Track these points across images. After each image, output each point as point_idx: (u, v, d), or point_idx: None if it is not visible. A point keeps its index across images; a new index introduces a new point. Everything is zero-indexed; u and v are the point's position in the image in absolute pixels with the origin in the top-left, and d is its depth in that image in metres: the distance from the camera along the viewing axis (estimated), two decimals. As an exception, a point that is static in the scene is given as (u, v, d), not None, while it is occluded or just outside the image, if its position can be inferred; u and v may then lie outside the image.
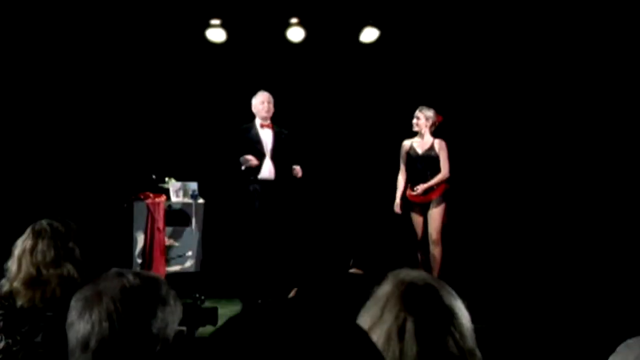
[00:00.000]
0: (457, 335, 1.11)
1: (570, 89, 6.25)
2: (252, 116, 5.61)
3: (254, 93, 6.46)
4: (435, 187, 5.47)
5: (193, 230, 5.63)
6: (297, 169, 5.46)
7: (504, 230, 6.21)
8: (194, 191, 5.61)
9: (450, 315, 1.13)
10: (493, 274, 5.90)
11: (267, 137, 5.52)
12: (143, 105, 6.52)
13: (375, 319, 1.18)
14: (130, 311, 1.07)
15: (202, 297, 5.60)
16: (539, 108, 6.37)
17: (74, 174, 6.15)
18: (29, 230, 2.25)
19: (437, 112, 5.73)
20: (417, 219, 5.55)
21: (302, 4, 6.32)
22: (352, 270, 2.55)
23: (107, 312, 1.06)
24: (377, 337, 1.14)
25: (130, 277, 1.10)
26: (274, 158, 5.44)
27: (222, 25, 6.29)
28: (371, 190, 6.50)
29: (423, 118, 5.52)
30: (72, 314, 1.10)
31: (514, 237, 6.14)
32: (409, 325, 1.12)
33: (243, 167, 5.37)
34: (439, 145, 5.52)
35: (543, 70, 6.30)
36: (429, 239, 5.45)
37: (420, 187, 5.46)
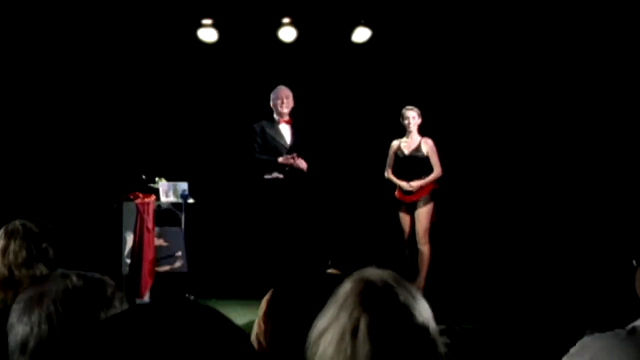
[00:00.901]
0: (412, 336, 1.09)
1: (556, 91, 6.24)
2: (267, 112, 5.59)
3: (245, 93, 6.46)
4: (421, 188, 5.49)
5: (183, 230, 5.62)
6: (296, 160, 5.36)
7: (492, 229, 6.20)
8: (184, 191, 5.59)
9: (406, 315, 1.11)
10: (482, 272, 5.89)
11: (285, 133, 5.49)
12: (134, 105, 6.50)
13: (333, 317, 1.17)
14: (71, 313, 1.06)
15: (192, 298, 5.60)
16: (530, 108, 6.35)
17: (64, 174, 6.14)
18: (1, 231, 2.24)
19: (429, 111, 5.73)
20: (404, 218, 5.57)
21: (294, 3, 6.31)
22: (330, 271, 2.53)
23: (47, 314, 1.05)
24: (332, 335, 1.13)
25: (74, 279, 1.09)
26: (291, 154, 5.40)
27: (214, 25, 6.27)
28: (357, 190, 6.49)
29: (417, 116, 5.53)
30: (13, 316, 1.09)
31: (503, 235, 6.13)
32: (363, 324, 1.11)
33: (267, 176, 5.36)
34: (427, 145, 5.54)
35: (533, 71, 6.29)
36: (417, 238, 5.46)
37: (415, 184, 5.46)
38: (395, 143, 5.66)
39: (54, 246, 2.26)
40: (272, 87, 6.01)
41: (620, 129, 6.06)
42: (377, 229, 6.19)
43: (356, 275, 1.19)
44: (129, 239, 5.33)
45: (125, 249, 5.34)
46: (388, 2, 6.31)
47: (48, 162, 6.11)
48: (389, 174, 5.67)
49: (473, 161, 6.42)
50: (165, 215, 5.61)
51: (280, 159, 5.34)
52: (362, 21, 6.35)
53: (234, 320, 0.68)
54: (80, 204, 5.98)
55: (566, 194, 6.10)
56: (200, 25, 6.26)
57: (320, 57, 6.65)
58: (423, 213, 5.48)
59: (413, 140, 5.58)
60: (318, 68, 6.70)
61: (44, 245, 2.23)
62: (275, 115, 5.53)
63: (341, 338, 1.09)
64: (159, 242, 5.56)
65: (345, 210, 6.42)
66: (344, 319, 1.10)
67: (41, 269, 2.18)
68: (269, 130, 5.46)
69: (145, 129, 6.51)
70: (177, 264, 5.66)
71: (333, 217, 6.21)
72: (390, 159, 5.67)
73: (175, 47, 6.47)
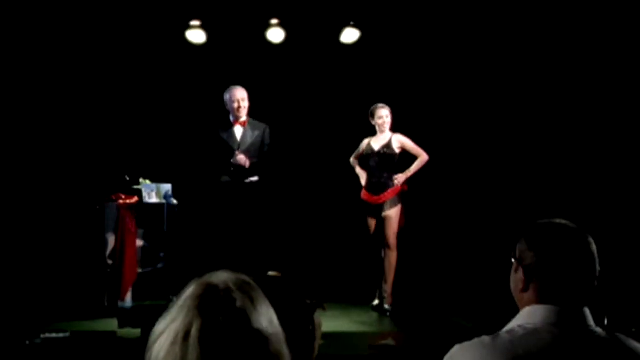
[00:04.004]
0: (246, 342, 1.06)
1: (542, 93, 6.18)
2: (255, 114, 5.53)
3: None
4: (388, 188, 5.29)
5: (165, 231, 5.59)
6: (241, 158, 5.29)
7: (462, 233, 6.17)
8: (167, 192, 5.57)
9: (242, 321, 1.07)
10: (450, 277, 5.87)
11: (237, 135, 5.40)
12: (120, 106, 6.52)
13: (171, 320, 1.14)
14: None
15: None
16: (526, 109, 6.28)
17: (47, 175, 6.15)
18: None
19: (415, 111, 5.61)
20: (369, 222, 5.35)
21: (282, 5, 6.29)
22: (270, 273, 2.49)
23: None
24: (166, 338, 1.11)
25: None
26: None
27: (202, 27, 6.27)
28: (329, 192, 6.49)
29: (390, 114, 5.37)
30: None
31: (473, 240, 6.08)
32: (195, 329, 1.08)
33: (223, 179, 5.35)
34: (398, 141, 5.34)
35: (523, 72, 6.22)
36: (385, 242, 5.26)
37: (400, 177, 5.28)
38: (365, 141, 5.49)
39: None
40: (261, 89, 6.01)
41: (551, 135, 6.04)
42: (334, 232, 6.22)
43: (203, 278, 1.15)
44: (111, 240, 5.32)
45: (107, 250, 5.32)
46: (377, 3, 6.26)
47: (30, 163, 6.12)
48: (353, 162, 5.55)
49: (460, 162, 6.37)
50: (149, 217, 5.59)
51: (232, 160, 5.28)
52: (352, 22, 6.32)
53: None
54: (63, 205, 5.99)
55: (541, 197, 6.00)
56: (189, 27, 6.26)
57: (308, 58, 6.64)
58: (391, 216, 5.23)
59: (384, 138, 5.37)
60: (306, 69, 6.69)
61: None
62: (230, 117, 5.44)
63: (173, 342, 1.06)
64: (141, 243, 5.55)
65: (300, 213, 6.42)
66: (178, 323, 1.07)
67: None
68: (222, 132, 5.39)
69: (131, 130, 6.52)
70: (160, 265, 5.65)
71: (282, 220, 6.19)
72: (355, 155, 5.55)
73: (164, 48, 6.48)
